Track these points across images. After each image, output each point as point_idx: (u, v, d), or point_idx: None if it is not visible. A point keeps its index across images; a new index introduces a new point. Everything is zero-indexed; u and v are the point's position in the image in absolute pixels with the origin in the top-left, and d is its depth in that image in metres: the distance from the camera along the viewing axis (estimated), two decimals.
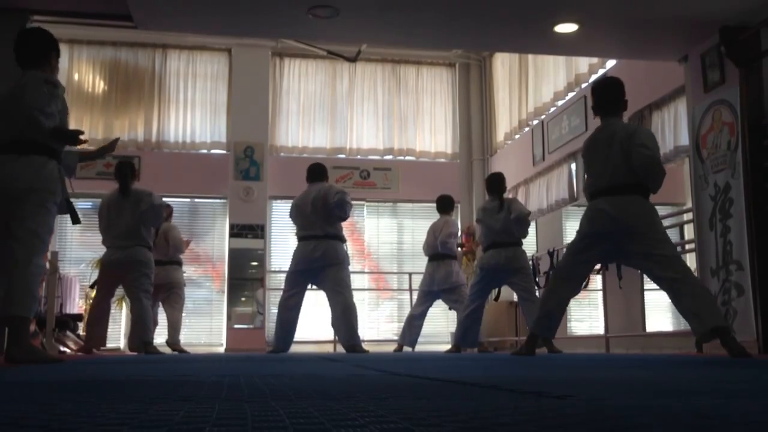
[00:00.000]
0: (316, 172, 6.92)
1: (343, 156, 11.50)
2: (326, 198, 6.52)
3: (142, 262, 6.36)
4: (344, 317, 6.62)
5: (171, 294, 7.64)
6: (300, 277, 6.66)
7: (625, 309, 7.12)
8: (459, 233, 8.53)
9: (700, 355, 5.53)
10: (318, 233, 6.55)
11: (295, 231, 6.85)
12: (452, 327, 8.17)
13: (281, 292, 6.99)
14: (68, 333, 7.85)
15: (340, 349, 9.03)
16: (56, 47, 4.12)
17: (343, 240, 6.72)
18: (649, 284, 7.51)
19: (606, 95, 4.64)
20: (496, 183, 6.94)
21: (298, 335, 7.26)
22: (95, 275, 6.94)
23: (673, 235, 7.38)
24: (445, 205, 7.97)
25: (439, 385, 1.96)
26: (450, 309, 7.94)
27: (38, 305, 5.73)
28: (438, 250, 7.68)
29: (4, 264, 3.80)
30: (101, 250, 6.69)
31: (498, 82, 11.53)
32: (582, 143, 8.82)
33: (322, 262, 6.53)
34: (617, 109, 4.61)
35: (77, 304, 9.19)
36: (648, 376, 2.42)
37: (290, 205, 7.02)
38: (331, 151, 11.50)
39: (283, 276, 7.50)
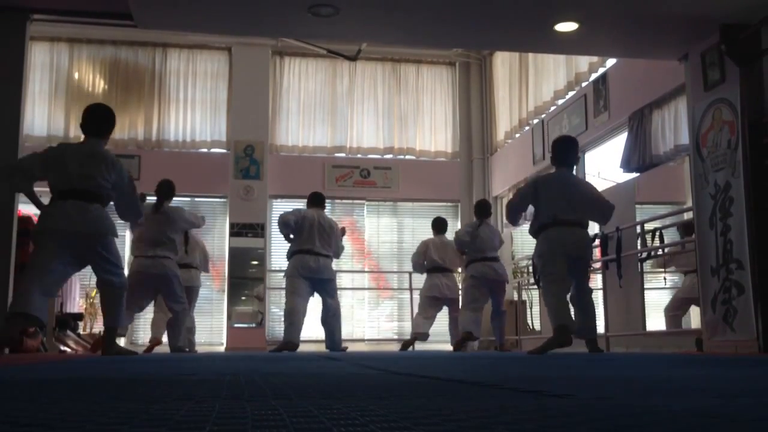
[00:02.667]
0: (322, 199, 7.74)
1: (343, 155, 11.49)
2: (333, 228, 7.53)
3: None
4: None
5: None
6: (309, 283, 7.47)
7: (625, 308, 7.12)
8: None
9: (700, 354, 5.53)
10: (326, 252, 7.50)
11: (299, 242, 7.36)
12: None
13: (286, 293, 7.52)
14: (68, 332, 7.85)
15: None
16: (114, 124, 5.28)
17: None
18: (649, 283, 7.54)
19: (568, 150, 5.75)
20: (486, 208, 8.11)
21: (306, 334, 7.83)
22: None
23: (673, 233, 7.39)
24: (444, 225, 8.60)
25: (439, 384, 1.96)
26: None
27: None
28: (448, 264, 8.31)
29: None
30: None
31: (498, 81, 11.52)
32: (582, 142, 8.87)
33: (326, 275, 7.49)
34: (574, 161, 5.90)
35: (77, 303, 9.18)
36: (648, 376, 2.42)
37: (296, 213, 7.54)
38: (331, 150, 11.50)
39: (282, 275, 7.95)
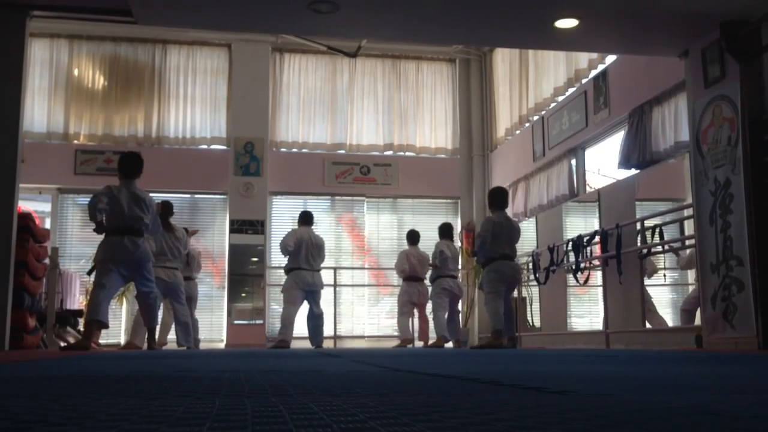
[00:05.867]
0: (311, 218, 8.68)
1: (343, 152, 11.49)
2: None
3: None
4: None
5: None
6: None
7: (625, 305, 7.12)
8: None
9: (700, 350, 5.54)
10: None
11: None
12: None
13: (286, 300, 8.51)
14: (68, 329, 7.85)
15: (339, 344, 9.70)
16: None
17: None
18: (649, 280, 7.54)
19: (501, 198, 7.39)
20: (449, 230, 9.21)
21: (299, 332, 8.58)
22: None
23: (673, 230, 7.39)
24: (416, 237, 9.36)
25: (439, 380, 1.97)
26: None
27: (40, 301, 6.57)
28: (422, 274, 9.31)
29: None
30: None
31: (498, 78, 11.51)
32: (582, 139, 8.88)
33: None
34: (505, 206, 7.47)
35: (77, 299, 9.18)
36: (648, 372, 2.43)
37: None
38: (331, 147, 11.49)
39: (282, 272, 8.69)
